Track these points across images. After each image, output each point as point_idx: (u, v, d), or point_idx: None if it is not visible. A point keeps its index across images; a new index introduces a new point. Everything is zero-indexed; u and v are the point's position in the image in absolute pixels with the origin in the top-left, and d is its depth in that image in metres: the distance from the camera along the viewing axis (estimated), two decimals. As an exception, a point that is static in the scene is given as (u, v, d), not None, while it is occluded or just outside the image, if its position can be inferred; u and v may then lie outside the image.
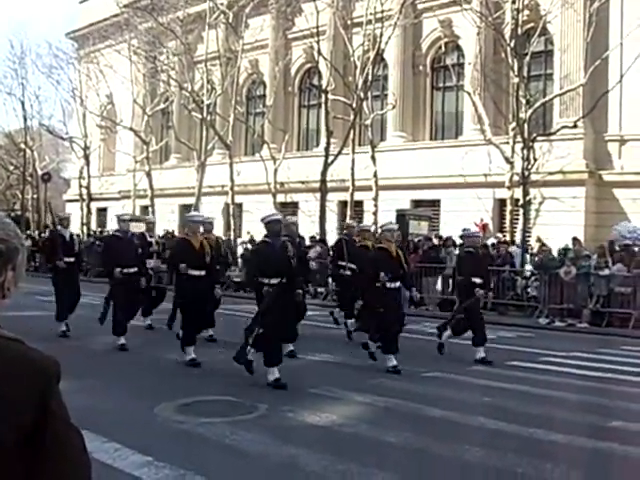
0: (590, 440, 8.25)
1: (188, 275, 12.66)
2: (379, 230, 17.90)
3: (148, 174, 42.90)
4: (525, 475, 7.01)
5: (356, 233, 17.36)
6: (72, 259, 15.99)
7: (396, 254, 13.00)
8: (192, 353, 12.49)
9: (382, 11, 32.91)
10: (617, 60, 28.62)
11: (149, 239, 17.72)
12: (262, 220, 11.45)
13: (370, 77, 33.33)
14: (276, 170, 37.32)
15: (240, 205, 39.47)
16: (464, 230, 16.14)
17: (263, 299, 10.96)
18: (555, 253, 23.57)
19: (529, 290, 23.41)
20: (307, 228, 33.00)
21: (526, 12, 29.80)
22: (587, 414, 9.64)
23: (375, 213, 32.52)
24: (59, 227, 16.31)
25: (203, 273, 12.82)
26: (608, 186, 29.30)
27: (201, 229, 14.09)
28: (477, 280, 13.93)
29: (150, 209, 42.02)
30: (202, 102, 38.65)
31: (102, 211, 50.31)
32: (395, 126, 35.96)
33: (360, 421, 8.90)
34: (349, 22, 35.36)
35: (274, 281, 10.92)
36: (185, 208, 39.58)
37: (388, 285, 12.59)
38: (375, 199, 32.87)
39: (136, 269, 14.72)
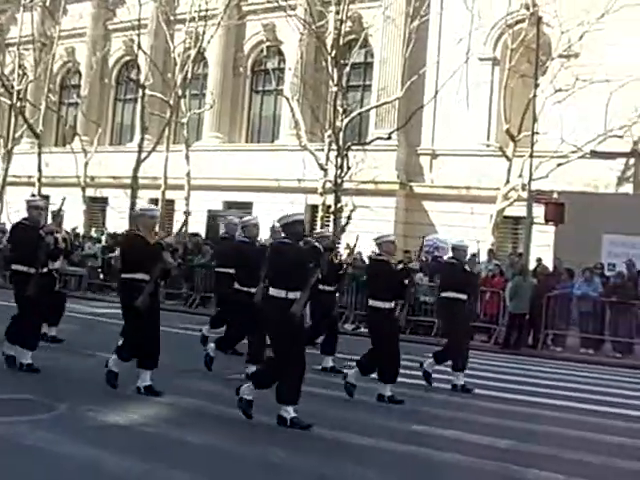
0: (394, 444, 8.30)
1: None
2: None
3: (-51, 160, 40.80)
4: (328, 476, 6.97)
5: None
6: None
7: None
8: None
9: (206, 10, 32.76)
10: (433, 77, 29.61)
11: None
12: (279, 221, 9.23)
13: (190, 75, 33.16)
14: (87, 163, 36.24)
15: (47, 197, 38.07)
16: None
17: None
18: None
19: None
20: (116, 225, 32.31)
21: (349, 23, 30.37)
22: (388, 418, 9.70)
23: (186, 213, 32.05)
24: None
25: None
26: (418, 198, 30.22)
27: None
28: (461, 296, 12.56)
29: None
30: (12, 87, 37.10)
31: None
32: (212, 126, 35.73)
33: (163, 421, 8.64)
34: (172, 17, 34.79)
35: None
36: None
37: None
38: (187, 199, 32.44)
39: None
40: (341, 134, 28.60)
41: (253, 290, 11.50)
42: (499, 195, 27.83)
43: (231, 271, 12.81)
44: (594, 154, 27.11)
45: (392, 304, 11.02)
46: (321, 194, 29.17)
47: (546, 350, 19.87)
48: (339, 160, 28.48)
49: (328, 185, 28.86)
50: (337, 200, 28.43)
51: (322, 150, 29.38)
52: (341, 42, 29.38)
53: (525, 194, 25.70)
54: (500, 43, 29.77)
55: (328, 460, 7.45)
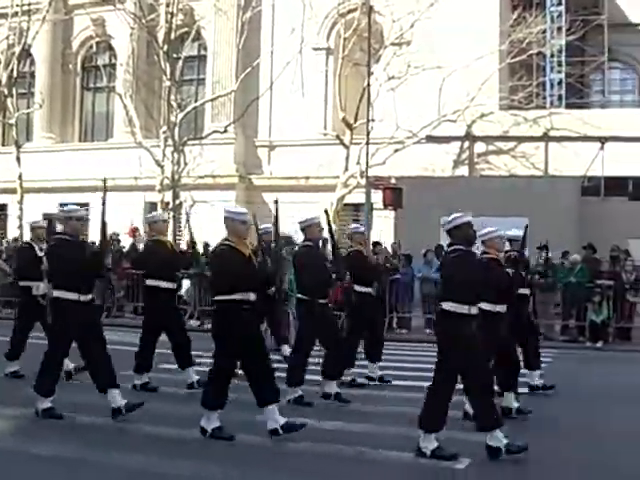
0: (250, 436, 8.28)
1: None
2: None
3: None
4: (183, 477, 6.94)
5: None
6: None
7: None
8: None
9: (29, 4, 31.48)
10: (268, 68, 29.65)
11: None
12: (444, 225, 8.09)
13: (15, 73, 31.80)
14: None
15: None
16: None
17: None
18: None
19: (182, 293, 22.91)
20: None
21: (180, 16, 29.92)
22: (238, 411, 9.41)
23: (20, 217, 30.89)
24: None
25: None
26: (258, 190, 30.15)
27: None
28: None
29: None
30: None
31: None
32: (42, 126, 34.60)
33: (9, 434, 8.31)
34: (-8, 12, 33.40)
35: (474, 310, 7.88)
36: None
37: None
38: (20, 202, 31.19)
39: None
40: (176, 129, 28.23)
41: (322, 301, 10.51)
42: (338, 183, 28.09)
43: None
44: (429, 139, 27.74)
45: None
46: (159, 191, 28.66)
47: (392, 333, 19.98)
48: (176, 156, 28.18)
49: (166, 182, 28.44)
50: (175, 196, 28.08)
51: (158, 146, 28.84)
52: (173, 36, 28.92)
53: (364, 181, 25.97)
54: (333, 32, 30.18)
55: (177, 461, 7.33)
